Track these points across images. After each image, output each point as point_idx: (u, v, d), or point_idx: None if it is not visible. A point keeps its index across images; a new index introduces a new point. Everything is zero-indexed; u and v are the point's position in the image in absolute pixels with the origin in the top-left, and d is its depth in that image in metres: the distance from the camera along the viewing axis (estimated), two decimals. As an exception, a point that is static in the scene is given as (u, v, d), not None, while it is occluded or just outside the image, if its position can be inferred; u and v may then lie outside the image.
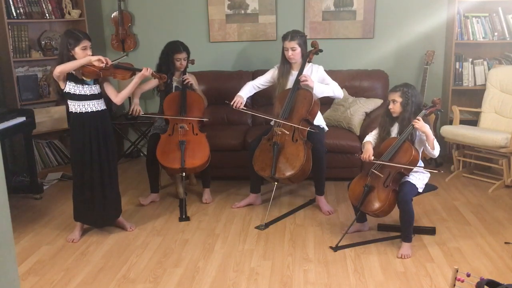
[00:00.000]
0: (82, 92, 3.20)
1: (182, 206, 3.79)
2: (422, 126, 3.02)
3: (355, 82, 4.74)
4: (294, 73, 3.78)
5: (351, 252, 3.17)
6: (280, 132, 3.65)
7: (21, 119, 4.01)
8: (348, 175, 3.93)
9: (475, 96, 4.79)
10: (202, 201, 4.06)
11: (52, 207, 4.05)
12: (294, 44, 3.70)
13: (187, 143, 3.77)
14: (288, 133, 3.64)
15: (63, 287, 2.83)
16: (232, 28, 5.06)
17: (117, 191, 3.47)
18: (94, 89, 3.25)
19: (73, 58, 3.15)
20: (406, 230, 3.12)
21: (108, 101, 3.39)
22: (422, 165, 3.23)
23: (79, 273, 2.98)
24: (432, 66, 4.72)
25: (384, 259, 3.06)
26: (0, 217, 1.38)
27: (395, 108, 3.19)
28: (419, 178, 3.16)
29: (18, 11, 4.54)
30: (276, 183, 3.69)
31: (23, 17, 4.58)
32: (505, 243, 3.23)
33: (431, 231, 3.39)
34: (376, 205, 3.09)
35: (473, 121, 4.68)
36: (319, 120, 3.90)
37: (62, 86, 3.19)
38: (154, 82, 3.89)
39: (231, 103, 3.77)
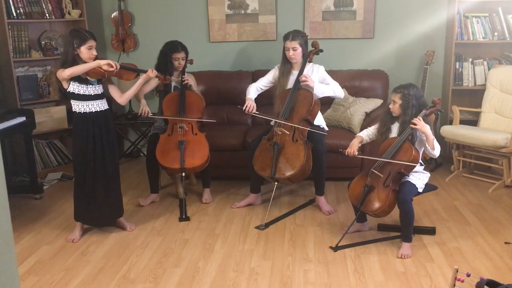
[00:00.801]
0: (86, 92, 3.21)
1: (182, 206, 3.79)
2: (421, 126, 3.02)
3: (355, 82, 4.74)
4: (294, 73, 3.78)
5: (351, 252, 3.17)
6: (280, 132, 3.65)
7: (21, 119, 4.01)
8: (348, 175, 3.93)
9: (475, 96, 4.79)
10: (202, 201, 4.06)
11: (52, 207, 4.05)
12: (295, 44, 3.70)
13: (187, 143, 3.77)
14: (288, 133, 3.64)
15: (63, 287, 2.83)
16: (232, 28, 5.06)
17: (119, 191, 3.47)
18: (98, 89, 3.26)
19: (78, 57, 3.15)
20: (406, 230, 3.12)
21: (108, 101, 3.40)
22: (423, 166, 3.23)
23: (79, 273, 2.98)
24: (432, 66, 4.72)
25: (384, 259, 3.06)
26: (0, 217, 1.38)
27: (395, 109, 3.20)
28: (419, 178, 3.16)
29: (18, 11, 4.54)
30: (276, 183, 3.69)
31: (23, 17, 4.58)
32: (505, 243, 3.23)
33: (431, 231, 3.39)
34: (376, 205, 3.09)
35: (473, 121, 4.68)
36: (320, 121, 3.90)
37: (65, 86, 3.19)
38: (154, 83, 3.89)
39: (244, 108, 3.74)
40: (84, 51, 3.14)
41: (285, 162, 3.59)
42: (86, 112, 3.24)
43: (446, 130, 4.42)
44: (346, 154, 3.26)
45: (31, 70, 4.77)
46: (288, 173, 3.56)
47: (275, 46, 4.80)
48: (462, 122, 4.56)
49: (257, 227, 3.55)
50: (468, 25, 4.67)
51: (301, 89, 3.69)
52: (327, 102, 4.59)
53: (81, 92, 3.20)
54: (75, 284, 2.86)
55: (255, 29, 5.04)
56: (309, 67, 3.80)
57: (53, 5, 4.76)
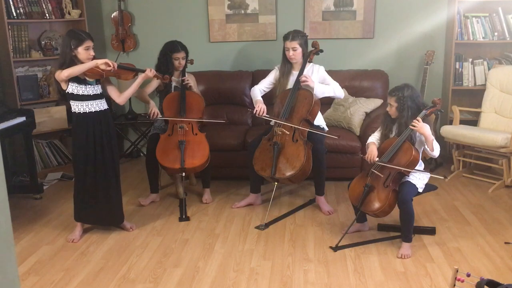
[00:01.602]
0: (85, 93, 3.21)
1: (182, 206, 3.79)
2: (420, 127, 3.02)
3: (355, 82, 4.74)
4: (295, 73, 3.78)
5: (351, 252, 3.17)
6: (280, 132, 3.65)
7: (21, 119, 4.00)
8: (348, 175, 3.93)
9: (475, 96, 4.79)
10: (202, 201, 4.06)
11: (52, 207, 4.05)
12: (295, 44, 3.70)
13: (187, 143, 3.77)
14: (288, 133, 3.64)
15: (63, 287, 2.83)
16: (232, 28, 5.06)
17: (119, 192, 3.45)
18: (97, 89, 3.26)
19: (75, 58, 3.15)
20: (406, 230, 3.12)
21: (108, 100, 3.40)
22: (423, 166, 3.23)
23: (79, 273, 2.98)
24: (432, 66, 4.72)
25: (384, 259, 3.06)
26: (0, 217, 1.38)
27: (391, 111, 3.20)
28: (419, 178, 3.16)
29: (18, 11, 4.54)
30: (276, 183, 3.69)
31: (23, 17, 4.58)
32: (505, 243, 3.23)
33: (431, 231, 3.39)
34: (376, 205, 3.09)
35: (473, 121, 4.68)
36: (319, 120, 3.90)
37: (64, 87, 3.19)
38: (155, 83, 3.90)
39: (255, 111, 3.72)
40: (82, 52, 3.14)
41: (285, 162, 3.59)
42: (86, 112, 3.23)
43: (446, 130, 4.42)
44: (367, 160, 3.24)
45: (31, 70, 4.77)
46: (288, 173, 3.56)
47: (275, 46, 4.80)
48: (462, 122, 4.56)
49: (257, 227, 3.55)
50: (468, 25, 4.67)
51: (301, 89, 3.69)
52: (327, 102, 4.59)
53: (80, 93, 3.20)
54: (75, 284, 2.86)
55: (255, 29, 5.04)
56: (309, 67, 3.80)
57: (53, 5, 4.76)
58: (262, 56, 5.04)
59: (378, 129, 3.38)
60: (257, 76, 4.80)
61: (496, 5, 4.62)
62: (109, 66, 3.14)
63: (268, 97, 4.12)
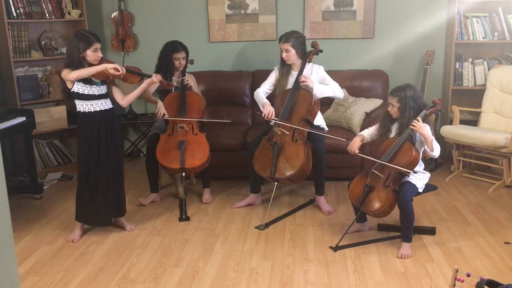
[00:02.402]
0: (90, 92, 3.24)
1: (182, 206, 3.79)
2: (420, 127, 3.02)
3: (355, 82, 4.74)
4: (294, 74, 3.78)
5: (351, 252, 3.17)
6: (280, 132, 3.65)
7: (21, 119, 4.01)
8: (348, 175, 3.93)
9: (475, 96, 4.79)
10: (202, 201, 4.06)
11: (52, 207, 4.05)
12: (287, 46, 3.71)
13: (187, 143, 3.77)
14: (288, 133, 3.64)
15: (63, 287, 2.83)
16: (232, 28, 5.06)
17: (123, 191, 3.48)
18: (102, 89, 3.29)
19: (83, 60, 3.19)
20: (406, 230, 3.12)
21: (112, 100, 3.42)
22: (423, 166, 3.23)
23: (79, 273, 2.98)
24: (432, 66, 4.72)
25: (384, 259, 3.06)
26: (0, 217, 1.38)
27: (393, 111, 3.20)
28: (419, 178, 3.16)
29: (18, 11, 4.54)
30: (276, 183, 3.69)
31: (23, 17, 4.58)
32: (505, 243, 3.23)
33: (431, 231, 3.39)
34: (376, 205, 3.09)
35: (473, 121, 4.68)
36: (319, 120, 3.90)
37: (69, 86, 3.22)
38: (156, 84, 3.90)
39: (263, 115, 3.70)
40: (90, 54, 3.18)
41: (285, 162, 3.59)
42: (91, 111, 3.25)
43: (446, 130, 4.42)
44: (348, 150, 3.27)
45: (31, 70, 4.77)
46: (288, 173, 3.56)
47: (275, 46, 4.77)
48: (462, 122, 4.56)
49: (257, 227, 3.55)
50: (468, 25, 4.67)
51: (301, 89, 3.69)
52: (327, 102, 4.59)
53: (85, 92, 3.22)
54: (75, 284, 2.86)
55: (255, 29, 5.04)
56: (308, 67, 3.80)
57: (53, 5, 4.76)
58: (262, 56, 5.04)
59: (375, 126, 3.38)
60: (257, 76, 4.80)
61: (496, 5, 4.62)
62: (118, 71, 3.19)
63: (269, 97, 4.12)
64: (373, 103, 4.55)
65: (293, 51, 3.71)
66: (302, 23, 4.98)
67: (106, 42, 5.22)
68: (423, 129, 3.02)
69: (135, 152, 5.37)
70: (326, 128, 3.96)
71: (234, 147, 4.34)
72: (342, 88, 3.83)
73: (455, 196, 4.10)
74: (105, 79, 3.25)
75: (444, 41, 4.90)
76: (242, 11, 5.01)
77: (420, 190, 3.14)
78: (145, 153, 4.59)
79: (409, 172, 3.06)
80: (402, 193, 3.07)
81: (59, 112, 4.76)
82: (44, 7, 4.71)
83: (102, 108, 3.28)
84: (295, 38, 3.72)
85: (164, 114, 3.79)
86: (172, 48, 3.94)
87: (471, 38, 4.69)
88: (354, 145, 3.26)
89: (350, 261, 3.05)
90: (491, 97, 4.55)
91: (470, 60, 4.76)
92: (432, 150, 3.06)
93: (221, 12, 5.03)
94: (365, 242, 3.28)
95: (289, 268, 2.98)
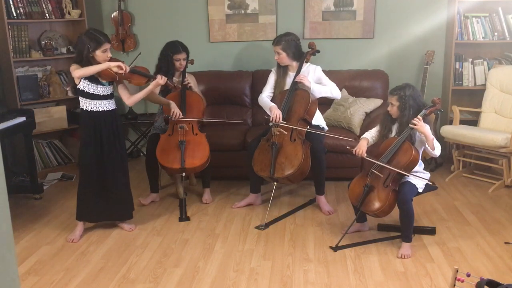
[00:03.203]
0: (96, 92, 3.24)
1: (182, 206, 3.79)
2: (420, 126, 3.02)
3: (355, 82, 4.74)
4: (291, 75, 3.81)
5: (351, 252, 3.17)
6: (278, 132, 3.65)
7: (21, 119, 4.01)
8: (348, 175, 3.93)
9: (475, 96, 4.79)
10: (202, 201, 4.06)
11: (52, 207, 4.05)
12: (278, 48, 3.75)
13: (187, 143, 3.77)
14: (286, 133, 3.64)
15: (63, 287, 2.84)
16: (232, 28, 5.06)
17: (130, 191, 3.50)
18: (108, 90, 3.30)
19: (93, 59, 3.19)
20: (406, 230, 3.12)
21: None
22: (423, 166, 3.23)
23: (79, 273, 2.98)
24: (432, 66, 4.72)
25: (384, 259, 3.06)
26: (0, 217, 1.38)
27: (393, 111, 3.20)
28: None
29: (18, 11, 4.54)
30: (275, 183, 3.69)
31: (23, 17, 4.57)
32: (505, 243, 3.23)
33: (431, 231, 3.39)
34: (376, 205, 3.09)
35: (473, 121, 4.68)
36: (319, 120, 3.90)
37: (76, 82, 3.24)
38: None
39: (271, 118, 3.67)
40: (99, 54, 3.19)
41: (283, 161, 3.59)
42: (93, 110, 3.26)
43: (446, 130, 4.42)
44: (354, 153, 3.26)
45: (31, 70, 4.77)
46: (287, 172, 3.56)
47: (275, 46, 4.79)
48: (462, 122, 4.56)
49: (257, 227, 3.55)
50: (468, 25, 4.67)
51: (298, 89, 3.70)
52: (327, 103, 4.59)
53: (90, 91, 3.23)
54: (75, 284, 2.86)
55: (255, 29, 5.04)
56: (305, 67, 3.81)
57: (53, 5, 4.76)
58: (262, 56, 5.04)
59: (376, 128, 3.38)
60: (257, 76, 4.80)
61: (496, 5, 4.62)
62: (122, 69, 3.19)
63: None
64: (373, 103, 4.55)
65: (283, 54, 3.75)
66: (302, 23, 4.98)
67: (106, 42, 5.22)
68: (424, 127, 3.02)
69: (135, 152, 5.37)
70: (326, 128, 3.96)
71: (234, 147, 4.34)
72: (342, 88, 3.85)
73: (455, 196, 4.10)
74: (111, 79, 3.26)
75: (444, 41, 4.90)
76: (242, 11, 5.02)
77: (420, 190, 3.14)
78: (145, 153, 4.59)
79: (409, 174, 3.05)
80: (402, 193, 3.07)
81: (59, 112, 4.76)
82: (44, 7, 4.71)
83: (105, 109, 3.29)
84: (285, 41, 3.74)
85: (179, 115, 3.75)
86: (173, 48, 3.94)
87: (471, 38, 4.69)
88: (363, 148, 3.25)
89: (350, 261, 3.05)
90: (491, 97, 4.55)
91: (470, 60, 4.76)
92: (433, 149, 3.06)
93: (221, 12, 5.03)
94: (365, 242, 3.28)
95: (289, 268, 2.98)
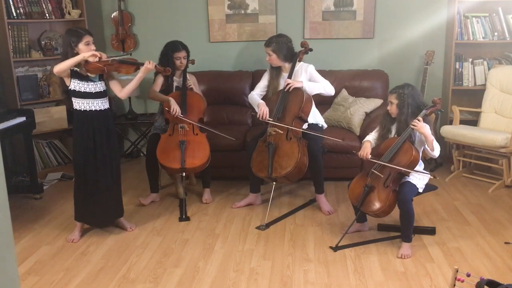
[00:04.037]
0: (87, 90, 3.23)
1: (182, 206, 3.79)
2: (421, 127, 3.02)
3: (355, 82, 4.74)
4: (284, 75, 3.84)
5: (351, 252, 3.17)
6: (274, 132, 3.66)
7: (21, 119, 4.01)
8: (348, 175, 3.93)
9: (475, 96, 4.79)
10: (202, 201, 4.06)
11: (52, 207, 4.05)
12: (269, 50, 3.79)
13: (187, 143, 3.77)
14: (282, 132, 3.65)
15: (63, 287, 2.84)
16: (232, 28, 5.06)
17: (120, 191, 3.48)
18: (100, 86, 3.27)
19: (77, 55, 3.17)
20: (406, 230, 3.12)
21: (109, 100, 3.41)
22: (423, 166, 3.23)
23: (79, 273, 2.98)
24: (432, 66, 4.72)
25: (384, 259, 3.06)
26: (0, 217, 1.38)
27: (392, 109, 3.20)
28: (419, 178, 3.15)
29: (18, 11, 4.53)
30: (274, 183, 3.69)
31: (23, 17, 4.57)
32: (505, 243, 3.23)
33: (431, 231, 3.39)
34: (377, 205, 3.09)
35: (473, 121, 4.68)
36: (317, 118, 3.91)
37: (67, 83, 3.23)
38: (160, 81, 3.91)
39: (258, 115, 3.73)
40: (83, 48, 3.18)
41: (280, 161, 3.60)
42: (86, 110, 3.25)
43: (446, 130, 4.42)
44: (360, 156, 3.25)
45: (31, 70, 4.77)
46: (284, 171, 3.56)
47: (275, 46, 4.79)
48: (462, 122, 4.56)
49: (258, 228, 3.55)
50: (468, 25, 4.67)
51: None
52: (327, 102, 4.59)
53: (82, 90, 3.22)
54: (75, 284, 2.86)
55: (255, 29, 5.04)
56: (298, 67, 3.82)
57: (53, 5, 4.76)
58: (262, 56, 4.98)
59: (376, 129, 3.39)
60: (257, 76, 4.79)
61: (496, 5, 4.62)
62: (97, 56, 3.15)
63: (268, 97, 4.12)
64: (373, 103, 4.55)
65: (274, 56, 3.78)
66: (302, 23, 4.98)
67: (106, 42, 5.22)
68: (424, 128, 3.02)
69: (135, 152, 5.37)
70: (325, 126, 3.96)
71: (234, 147, 4.34)
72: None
73: (455, 196, 4.10)
74: (100, 72, 3.23)
75: (444, 41, 4.90)
76: (242, 11, 5.01)
77: (420, 190, 3.15)
78: (145, 153, 4.59)
79: (410, 172, 3.06)
80: (402, 193, 3.07)
81: (59, 112, 4.76)
82: (44, 7, 4.71)
83: (98, 108, 3.27)
84: (276, 43, 3.77)
85: (179, 112, 3.75)
86: (173, 47, 3.95)
87: (471, 38, 4.69)
88: (367, 151, 3.24)
89: (350, 261, 3.05)
90: (491, 97, 4.55)
91: (470, 60, 4.76)
92: (432, 150, 3.06)
93: (221, 12, 5.03)
94: (365, 242, 3.28)
95: (289, 268, 2.98)
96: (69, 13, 4.79)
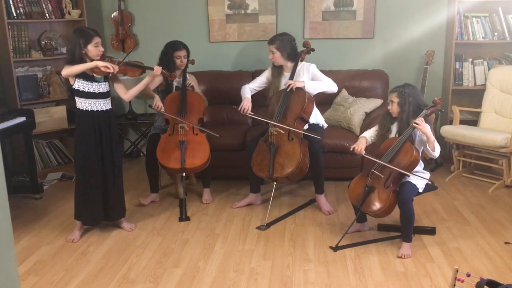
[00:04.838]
0: (91, 90, 3.24)
1: (182, 206, 3.79)
2: (423, 127, 3.02)
3: (355, 82, 4.74)
4: (286, 75, 3.83)
5: (351, 252, 3.17)
6: (276, 132, 3.66)
7: (21, 119, 4.01)
8: (348, 175, 3.92)
9: (475, 96, 4.79)
10: (202, 201, 4.06)
11: (52, 207, 4.05)
12: (272, 48, 3.78)
13: (187, 143, 3.77)
14: (283, 132, 3.65)
15: (63, 287, 2.84)
16: (232, 28, 5.06)
17: (122, 191, 3.49)
18: (104, 87, 3.28)
19: (86, 55, 3.20)
20: (406, 230, 3.12)
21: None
22: (422, 165, 3.23)
23: (79, 273, 2.98)
24: (432, 66, 4.71)
25: (384, 259, 3.06)
26: (0, 217, 1.38)
27: (393, 108, 3.20)
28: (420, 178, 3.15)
29: (18, 11, 4.53)
30: (275, 183, 3.69)
31: (23, 17, 4.57)
32: (505, 243, 3.23)
33: (431, 231, 3.39)
34: (377, 205, 3.09)
35: (473, 121, 4.68)
36: (318, 118, 3.91)
37: (71, 82, 3.23)
38: (158, 80, 3.91)
39: (239, 108, 3.78)
40: (91, 49, 3.19)
41: (282, 161, 3.59)
42: (89, 110, 3.26)
43: (446, 130, 4.42)
44: (353, 149, 3.26)
45: (31, 70, 4.77)
46: (286, 171, 3.56)
47: (275, 46, 4.79)
48: (462, 122, 4.56)
49: (258, 228, 3.55)
50: (468, 25, 4.67)
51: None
52: (327, 102, 4.59)
53: (86, 90, 3.23)
54: (75, 284, 2.86)
55: (255, 29, 5.04)
56: (299, 66, 3.82)
57: (53, 5, 4.76)
58: (262, 56, 5.03)
59: (375, 128, 3.38)
60: (257, 76, 4.78)
61: (496, 5, 4.62)
62: (109, 69, 3.17)
63: (260, 97, 4.11)
64: (373, 103, 4.55)
65: (278, 53, 3.77)
66: (302, 23, 4.98)
67: (106, 42, 5.21)
68: (426, 128, 3.02)
69: (135, 152, 5.37)
70: (326, 125, 3.96)
71: (234, 147, 4.34)
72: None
73: (455, 196, 4.10)
74: (106, 74, 3.25)
75: (444, 41, 4.90)
76: (242, 11, 5.02)
77: (420, 190, 3.14)
78: (145, 153, 4.59)
79: (410, 174, 3.05)
80: (403, 193, 3.07)
81: (59, 112, 4.76)
82: (44, 7, 4.71)
83: (100, 109, 3.28)
84: (280, 41, 3.77)
85: (161, 107, 3.77)
86: (173, 46, 3.95)
87: (471, 38, 4.69)
88: (361, 146, 3.25)
89: (350, 261, 3.05)
90: (491, 97, 4.55)
91: (470, 60, 4.76)
92: (433, 150, 3.06)
93: (221, 12, 5.03)
94: (365, 242, 3.28)
95: (289, 268, 2.98)
96: (69, 13, 4.79)
